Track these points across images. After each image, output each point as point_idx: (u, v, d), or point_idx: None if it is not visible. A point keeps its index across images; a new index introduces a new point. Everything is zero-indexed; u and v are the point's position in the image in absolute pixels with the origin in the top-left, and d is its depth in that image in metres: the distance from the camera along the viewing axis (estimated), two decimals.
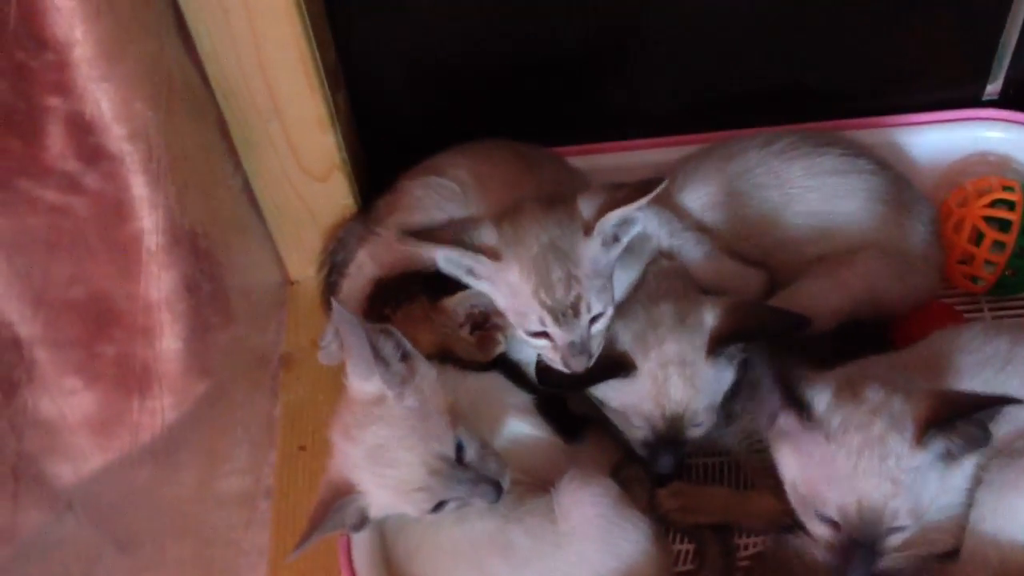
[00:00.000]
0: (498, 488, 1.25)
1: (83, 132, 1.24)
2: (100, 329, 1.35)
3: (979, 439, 1.19)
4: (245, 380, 1.63)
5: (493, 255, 1.32)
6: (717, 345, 1.37)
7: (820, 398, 1.21)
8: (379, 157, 1.77)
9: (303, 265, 1.80)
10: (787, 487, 1.27)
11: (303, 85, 1.52)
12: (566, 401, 1.50)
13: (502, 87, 1.73)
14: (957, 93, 1.82)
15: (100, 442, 1.36)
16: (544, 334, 1.33)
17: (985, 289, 1.70)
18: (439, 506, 1.25)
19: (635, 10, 1.68)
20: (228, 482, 1.57)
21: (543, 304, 1.30)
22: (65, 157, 1.24)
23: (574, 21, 1.69)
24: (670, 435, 1.39)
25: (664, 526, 1.45)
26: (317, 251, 1.75)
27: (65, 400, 1.30)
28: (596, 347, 1.34)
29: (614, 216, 1.30)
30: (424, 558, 1.34)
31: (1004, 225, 1.66)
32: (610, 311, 1.34)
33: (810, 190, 1.56)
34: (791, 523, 1.33)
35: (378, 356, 1.22)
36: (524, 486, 1.36)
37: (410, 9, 1.65)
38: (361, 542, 1.38)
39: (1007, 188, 1.69)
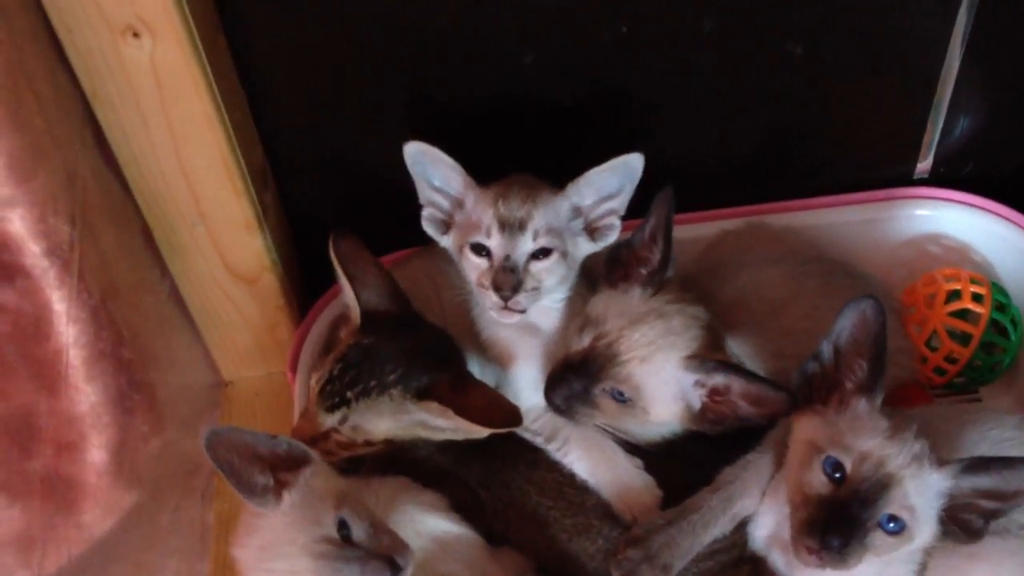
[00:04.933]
0: (392, 565, 1.20)
1: None
2: (24, 446, 1.33)
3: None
4: (177, 487, 1.60)
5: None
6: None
7: None
8: (314, 256, 1.69)
9: (237, 366, 1.78)
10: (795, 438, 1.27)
11: (227, 189, 1.50)
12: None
13: None
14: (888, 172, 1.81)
15: (28, 559, 1.34)
16: (486, 252, 1.38)
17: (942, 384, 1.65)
18: None
19: None
20: None
21: (496, 213, 1.37)
22: None
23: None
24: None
25: None
26: (251, 351, 1.74)
27: None
28: (530, 285, 1.37)
29: (584, 179, 1.39)
30: None
31: (964, 339, 1.60)
32: (557, 261, 1.39)
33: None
34: None
35: (236, 477, 1.20)
36: None
37: (337, 106, 1.62)
38: None
39: (975, 281, 1.62)
